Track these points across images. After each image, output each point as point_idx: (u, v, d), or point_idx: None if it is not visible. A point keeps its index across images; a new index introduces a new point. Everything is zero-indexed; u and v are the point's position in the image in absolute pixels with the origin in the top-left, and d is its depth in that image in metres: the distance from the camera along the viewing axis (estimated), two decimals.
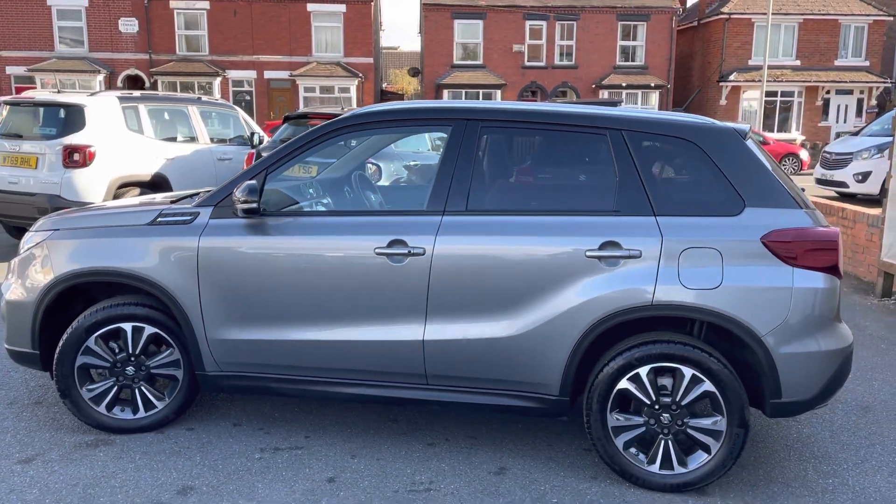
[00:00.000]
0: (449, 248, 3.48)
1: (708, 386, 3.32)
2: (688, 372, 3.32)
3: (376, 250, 3.51)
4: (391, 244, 3.50)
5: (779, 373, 3.26)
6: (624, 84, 31.12)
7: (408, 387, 3.61)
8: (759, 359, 3.28)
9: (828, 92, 31.86)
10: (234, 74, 30.77)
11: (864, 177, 14.40)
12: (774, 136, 28.66)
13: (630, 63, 32.14)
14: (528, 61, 31.94)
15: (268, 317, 3.63)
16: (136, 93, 9.03)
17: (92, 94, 8.47)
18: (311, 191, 4.50)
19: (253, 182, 3.53)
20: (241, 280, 3.62)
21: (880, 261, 7.40)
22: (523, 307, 3.44)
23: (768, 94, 30.37)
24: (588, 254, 3.36)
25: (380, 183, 6.61)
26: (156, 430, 3.88)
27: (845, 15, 31.40)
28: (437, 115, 3.75)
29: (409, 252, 3.48)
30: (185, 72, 30.38)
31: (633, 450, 3.45)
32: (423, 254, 3.47)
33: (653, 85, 31.39)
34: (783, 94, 31.81)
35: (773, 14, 28.25)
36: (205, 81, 30.48)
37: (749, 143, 3.48)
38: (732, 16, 31.44)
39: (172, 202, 4.01)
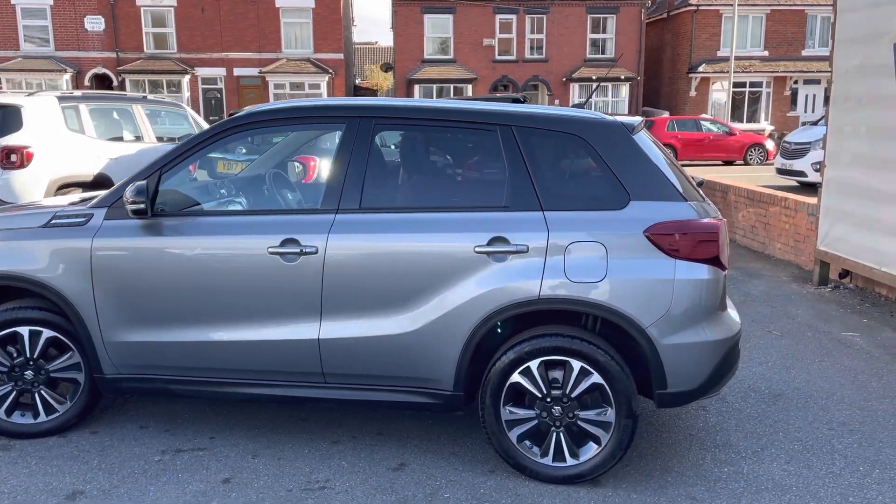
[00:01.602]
0: (342, 247, 3.48)
1: (596, 378, 3.35)
2: (576, 365, 3.36)
3: (269, 250, 3.51)
4: (284, 243, 3.50)
5: (663, 363, 3.30)
6: (594, 77, 31.24)
7: (305, 385, 3.62)
8: (644, 350, 3.32)
9: (795, 82, 32.18)
10: (203, 72, 30.56)
11: (822, 166, 14.55)
12: (743, 126, 28.90)
13: (600, 56, 32.26)
14: (498, 55, 31.97)
15: (163, 318, 3.62)
16: (78, 92, 8.95)
17: (30, 95, 8.38)
18: (222, 191, 4.49)
19: (142, 183, 3.51)
20: (135, 282, 3.60)
21: (817, 249, 7.50)
22: (415, 304, 3.45)
23: (737, 84, 30.62)
24: (477, 250, 3.38)
25: (308, 181, 6.60)
26: (58, 434, 3.86)
27: (811, 5, 31.71)
28: (329, 112, 3.75)
29: (302, 251, 3.48)
30: (154, 70, 30.12)
31: (526, 443, 3.48)
32: (316, 252, 3.48)
33: (623, 77, 31.53)
34: (752, 84, 32.09)
35: (740, 5, 28.48)
36: (173, 79, 30.25)
37: (638, 136, 3.51)
38: (701, 7, 31.65)
39: (73, 204, 3.98)
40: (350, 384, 3.60)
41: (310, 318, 3.52)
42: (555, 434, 3.43)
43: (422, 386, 3.54)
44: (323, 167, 8.08)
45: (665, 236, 3.30)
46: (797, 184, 15.34)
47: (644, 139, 3.55)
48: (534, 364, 3.39)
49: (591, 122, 3.51)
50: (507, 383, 3.43)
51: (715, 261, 3.33)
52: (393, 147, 7.68)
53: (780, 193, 9.13)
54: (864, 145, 6.74)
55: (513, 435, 3.47)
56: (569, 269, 3.32)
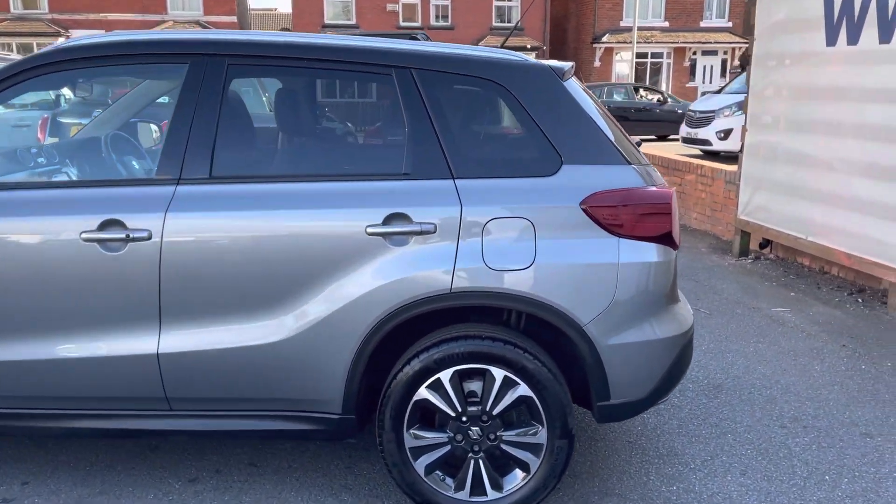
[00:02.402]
0: (185, 230, 2.61)
1: (524, 390, 2.65)
2: (499, 374, 2.64)
3: (83, 235, 2.59)
4: (103, 226, 2.59)
5: (606, 369, 2.63)
6: (500, 46, 30.64)
7: (143, 415, 2.74)
8: (582, 353, 2.64)
9: (694, 53, 32.72)
10: (79, 35, 27.93)
11: (725, 134, 14.49)
12: None
13: (507, 24, 31.70)
14: (403, 21, 30.87)
15: None
16: None
17: None
18: (40, 159, 3.48)
19: None
20: None
21: (737, 218, 7.12)
22: (289, 304, 2.64)
23: (639, 55, 30.78)
24: (370, 230, 2.59)
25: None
26: None
27: None
28: (166, 48, 2.82)
29: (129, 237, 2.58)
30: (22, 32, 27.35)
31: (437, 474, 2.75)
32: (149, 238, 2.58)
33: (529, 47, 31.10)
34: (653, 55, 32.39)
35: None
36: (45, 42, 27.50)
37: (569, 84, 2.79)
38: None
39: None
40: (204, 411, 2.75)
41: (144, 327, 2.63)
42: (473, 462, 2.72)
43: (301, 409, 2.74)
44: None
45: (606, 209, 2.60)
46: (701, 153, 15.29)
47: (576, 88, 2.83)
48: (445, 375, 2.65)
49: (513, 66, 2.75)
50: (412, 401, 2.68)
51: (666, 239, 2.67)
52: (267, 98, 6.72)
53: (695, 161, 8.75)
54: (788, 107, 6.33)
55: (420, 465, 2.72)
56: (487, 254, 2.58)
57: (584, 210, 2.59)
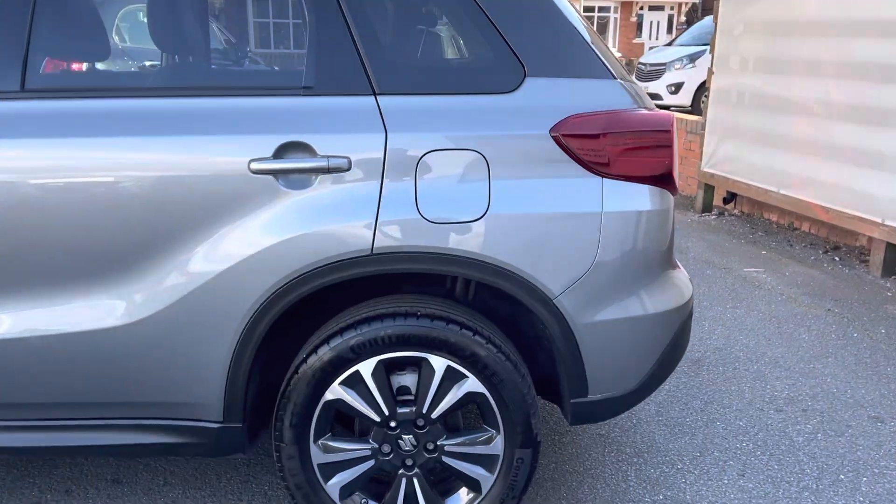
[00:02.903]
0: None
1: (473, 385, 1.95)
2: (440, 364, 1.94)
3: None
4: None
5: (583, 356, 1.95)
6: None
7: None
8: (552, 334, 1.95)
9: (641, 8, 32.18)
10: None
11: (676, 88, 13.96)
12: None
13: None
14: None
15: None
16: None
17: None
18: None
19: None
20: None
21: (700, 171, 6.55)
22: (141, 274, 1.87)
23: (586, 9, 30.11)
24: (255, 167, 1.83)
25: None
26: None
27: None
28: None
29: None
30: None
31: (357, 497, 2.06)
32: None
33: None
34: (600, 9, 31.73)
35: None
36: None
37: None
38: None
39: None
40: (31, 420, 1.98)
41: None
42: (405, 481, 2.03)
43: (168, 417, 1.99)
44: None
45: (586, 138, 1.89)
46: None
47: None
48: (366, 367, 1.93)
49: None
50: (321, 402, 1.96)
51: (665, 180, 1.98)
52: None
53: None
54: (762, 45, 5.72)
55: (333, 487, 2.02)
56: (424, 200, 1.85)
57: (556, 139, 1.88)
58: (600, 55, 1.99)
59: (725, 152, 6.19)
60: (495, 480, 2.02)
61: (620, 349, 1.98)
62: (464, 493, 2.06)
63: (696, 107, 12.23)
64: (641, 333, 1.99)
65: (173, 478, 2.44)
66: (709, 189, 6.56)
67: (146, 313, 1.87)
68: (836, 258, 5.19)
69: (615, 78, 1.98)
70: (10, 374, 1.91)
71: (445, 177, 1.87)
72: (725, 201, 6.59)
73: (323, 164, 1.83)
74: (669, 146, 1.96)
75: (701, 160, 6.54)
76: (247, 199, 1.85)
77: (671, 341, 2.04)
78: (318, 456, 2.00)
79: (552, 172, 1.89)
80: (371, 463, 2.02)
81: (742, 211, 6.51)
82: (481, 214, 1.86)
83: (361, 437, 2.04)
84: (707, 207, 6.62)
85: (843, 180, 4.94)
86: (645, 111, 1.96)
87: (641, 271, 1.97)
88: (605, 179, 1.90)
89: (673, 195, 2.02)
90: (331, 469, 2.01)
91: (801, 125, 5.30)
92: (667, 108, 14.03)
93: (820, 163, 5.15)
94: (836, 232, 5.47)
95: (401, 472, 2.02)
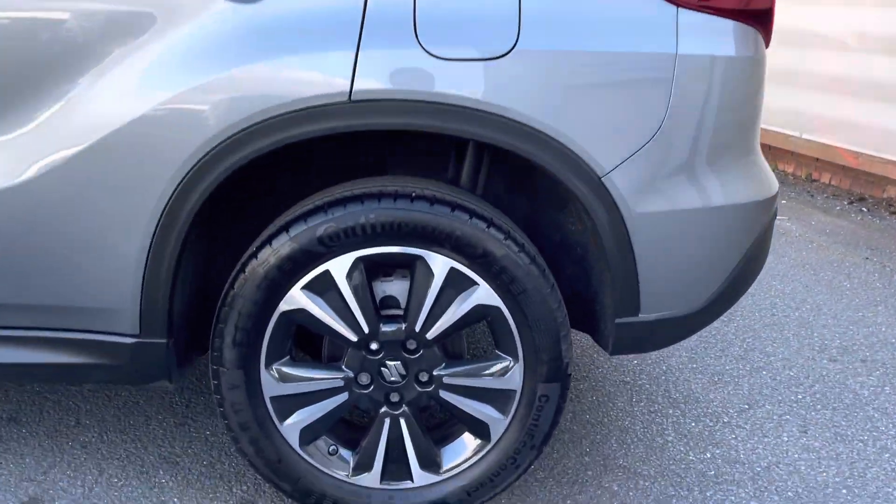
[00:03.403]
0: None
1: (485, 295, 1.43)
2: (441, 264, 1.41)
3: None
4: None
5: (636, 260, 1.43)
6: None
7: None
8: (596, 226, 1.43)
9: None
10: None
11: None
12: None
13: None
14: None
15: None
16: None
17: None
18: None
19: None
20: None
21: None
22: (11, 118, 1.32)
23: None
24: None
25: None
26: None
27: None
28: None
29: None
30: None
31: (324, 443, 1.54)
32: None
33: None
34: None
35: None
36: None
37: None
38: None
39: None
40: None
41: None
42: (388, 422, 1.51)
43: (62, 325, 1.45)
44: None
45: None
46: None
47: None
48: (339, 266, 1.40)
49: None
50: (277, 313, 1.43)
51: (761, 18, 1.45)
52: None
53: None
54: None
55: (291, 429, 1.50)
56: (426, 24, 1.31)
57: None
58: None
59: None
60: (509, 424, 1.51)
61: (688, 252, 1.46)
62: (467, 441, 1.55)
63: None
64: (717, 231, 1.47)
65: (88, 418, 1.90)
66: None
67: (17, 178, 1.32)
68: (864, 209, 4.71)
69: None
70: None
71: None
72: None
73: None
74: None
75: None
76: (166, 8, 1.29)
77: (753, 244, 1.52)
78: (271, 386, 1.47)
79: None
80: (344, 397, 1.49)
81: None
82: (507, 49, 1.32)
83: (330, 363, 1.51)
84: None
85: (877, 121, 4.45)
86: None
87: (722, 145, 1.44)
88: (681, 9, 1.36)
89: (766, 41, 1.49)
90: (288, 404, 1.49)
91: (832, 61, 4.79)
92: None
93: (851, 103, 4.65)
94: (861, 182, 5.00)
95: (383, 410, 1.51)
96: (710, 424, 2.06)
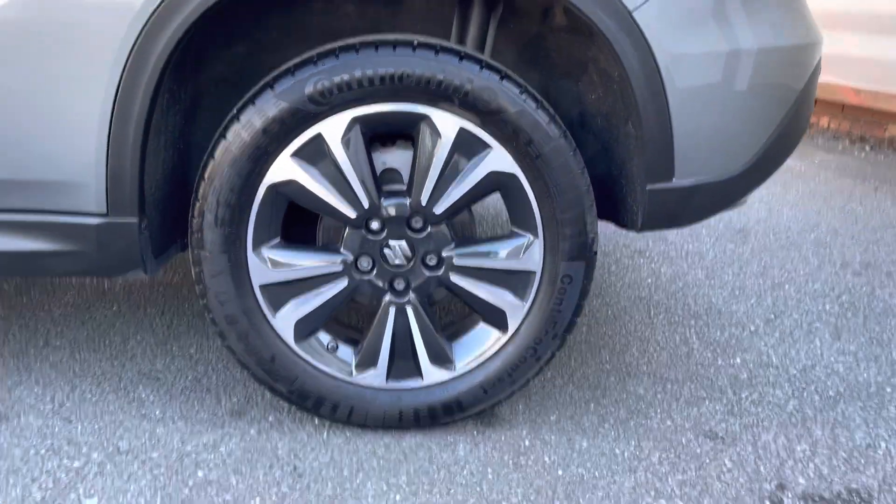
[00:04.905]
0: None
1: (500, 159, 1.26)
2: (449, 124, 1.24)
3: None
4: None
5: (671, 112, 1.27)
6: None
7: None
8: (626, 73, 1.26)
9: None
10: None
11: None
12: None
13: None
14: None
15: None
16: None
17: None
18: None
19: None
20: None
21: None
22: None
23: None
24: None
25: None
26: None
27: None
28: None
29: None
30: None
31: (321, 338, 1.37)
32: None
33: None
34: None
35: None
36: None
37: None
38: None
39: None
40: None
41: None
42: (393, 311, 1.34)
43: (15, 206, 1.27)
44: None
45: None
46: None
47: None
48: (333, 128, 1.23)
49: None
50: (263, 185, 1.25)
51: None
52: None
53: None
54: None
55: (284, 321, 1.33)
56: None
57: None
58: None
59: None
60: (529, 310, 1.35)
61: (726, 104, 1.29)
62: (484, 332, 1.39)
63: None
64: (760, 77, 1.30)
65: (59, 339, 1.73)
66: None
67: None
68: (867, 147, 4.59)
69: None
70: None
71: None
72: None
73: None
74: None
75: None
76: None
77: (797, 98, 1.36)
78: (260, 272, 1.30)
79: None
80: (343, 283, 1.32)
81: None
82: None
83: (327, 246, 1.34)
84: None
85: (878, 55, 4.31)
86: None
87: None
88: None
89: None
90: (281, 293, 1.32)
91: None
92: None
93: (851, 37, 4.50)
94: (861, 124, 4.87)
95: (388, 299, 1.34)
96: (737, 333, 1.92)
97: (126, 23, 1.14)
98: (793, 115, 1.36)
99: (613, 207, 1.48)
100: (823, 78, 4.79)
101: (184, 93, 1.34)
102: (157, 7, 1.14)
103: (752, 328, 1.95)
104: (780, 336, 1.91)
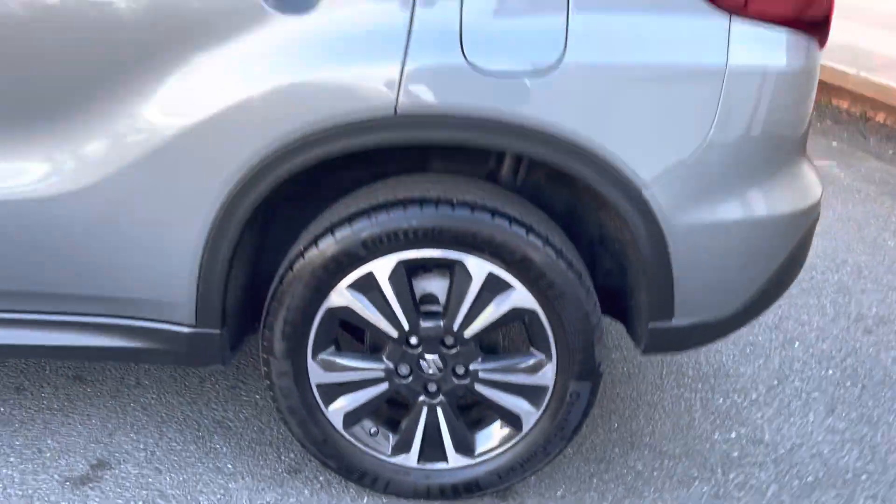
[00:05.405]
0: None
1: (522, 298, 1.48)
2: (479, 269, 1.45)
3: None
4: None
5: (673, 269, 1.45)
6: None
7: None
8: (633, 237, 1.45)
9: None
10: None
11: None
12: None
13: None
14: None
15: None
16: None
17: None
18: None
19: None
20: None
21: None
22: (76, 128, 1.37)
23: None
24: None
25: None
26: None
27: None
28: None
29: None
30: None
31: (367, 426, 1.64)
32: None
33: None
34: None
35: None
36: None
37: None
38: None
39: None
40: None
41: None
42: (425, 410, 1.60)
43: (126, 314, 1.55)
44: None
45: None
46: None
47: None
48: (382, 268, 1.46)
49: None
50: (323, 308, 1.50)
51: (817, 25, 1.40)
52: None
53: None
54: None
55: (335, 413, 1.60)
56: (472, 38, 1.30)
57: None
58: None
59: None
60: (541, 417, 1.59)
61: (725, 261, 1.48)
62: (500, 428, 1.64)
63: None
64: (755, 241, 1.48)
65: (147, 378, 2.04)
66: None
67: (84, 181, 1.38)
68: None
69: None
70: None
71: (504, 4, 1.30)
72: None
73: None
74: None
75: None
76: (217, 23, 1.30)
77: (791, 252, 1.53)
78: (317, 374, 1.56)
79: (659, 5, 1.31)
80: (384, 387, 1.58)
81: None
82: (553, 64, 1.30)
83: (372, 352, 1.59)
84: None
85: None
86: None
87: (767, 157, 1.43)
88: (733, 18, 1.32)
89: (821, 46, 1.45)
90: (333, 391, 1.58)
91: None
92: None
93: None
94: None
95: (422, 398, 1.59)
96: (738, 401, 2.12)
97: (216, 192, 1.37)
98: (785, 266, 1.53)
99: (625, 320, 1.69)
100: (882, 79, 4.71)
101: (257, 232, 1.57)
102: (240, 181, 1.36)
103: (754, 395, 2.15)
104: (777, 407, 2.11)
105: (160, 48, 1.32)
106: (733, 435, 1.98)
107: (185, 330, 1.53)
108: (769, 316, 2.58)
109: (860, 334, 2.51)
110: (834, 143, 4.76)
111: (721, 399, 2.13)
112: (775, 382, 2.22)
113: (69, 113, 1.36)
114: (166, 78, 1.33)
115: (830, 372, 2.28)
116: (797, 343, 2.43)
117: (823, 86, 5.61)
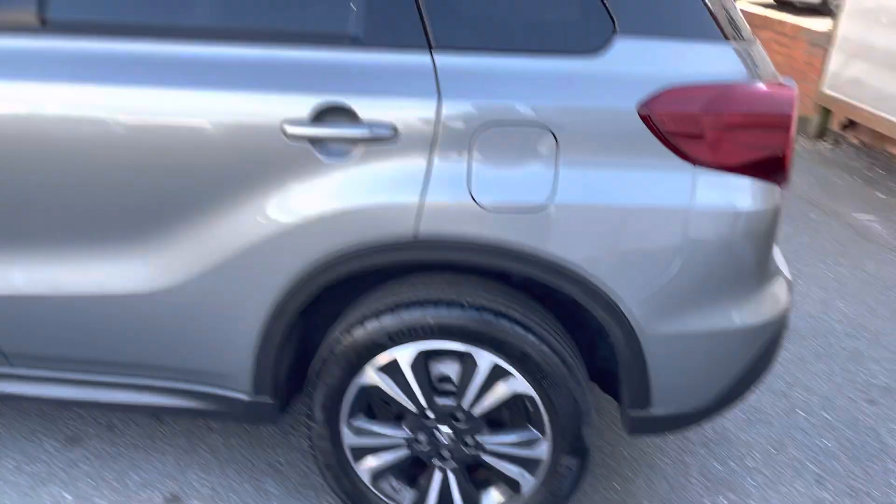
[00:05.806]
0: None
1: (521, 386, 1.75)
2: (485, 361, 1.74)
3: None
4: None
5: (649, 370, 1.71)
6: None
7: None
8: (616, 342, 1.71)
9: None
10: None
11: None
12: None
13: None
14: None
15: None
16: None
17: None
18: None
19: None
20: None
21: (819, 92, 5.84)
22: (168, 240, 1.72)
23: None
24: (290, 131, 1.59)
25: None
26: None
27: None
28: None
29: None
30: None
31: (392, 484, 1.95)
32: None
33: None
34: None
35: None
36: None
37: None
38: None
39: None
40: (58, 373, 1.93)
41: None
42: (439, 475, 1.89)
43: (196, 382, 1.90)
44: None
45: (682, 118, 1.55)
46: (773, 2, 13.33)
47: None
48: (404, 356, 1.76)
49: None
50: (356, 385, 1.81)
51: (774, 171, 1.63)
52: None
53: (774, 15, 7.26)
54: None
55: (364, 471, 1.91)
56: (477, 181, 1.59)
57: (645, 118, 1.55)
58: (710, 8, 1.60)
59: (852, 73, 5.46)
60: (537, 485, 1.86)
61: (695, 364, 1.72)
62: (503, 490, 1.92)
63: (826, 5, 10.82)
64: (722, 348, 1.72)
65: (215, 422, 2.40)
66: (826, 113, 5.88)
67: (172, 283, 1.73)
68: None
69: (727, 39, 1.60)
70: (44, 330, 1.84)
71: (505, 155, 1.59)
72: (843, 126, 5.91)
73: (365, 132, 1.58)
74: (787, 130, 1.59)
75: (821, 79, 5.81)
76: (278, 167, 1.63)
77: (756, 355, 1.76)
78: (349, 438, 1.88)
79: (634, 158, 1.57)
80: (405, 451, 1.88)
81: (862, 141, 5.83)
82: (544, 203, 1.58)
83: (396, 422, 1.89)
84: (821, 133, 5.96)
85: None
86: (761, 87, 1.59)
87: (731, 281, 1.67)
88: (698, 168, 1.57)
89: (782, 188, 1.67)
90: (362, 452, 1.89)
91: None
92: (791, 3, 12.64)
93: None
94: None
95: (436, 462, 1.89)
96: (734, 467, 2.33)
97: (273, 293, 1.70)
98: (751, 368, 1.75)
99: (616, 400, 1.94)
100: None
101: (307, 318, 1.89)
102: (294, 285, 1.69)
103: (750, 462, 2.36)
104: (769, 475, 2.31)
105: (241, 184, 1.65)
106: (721, 499, 2.20)
107: (244, 397, 1.87)
108: (778, 382, 2.77)
109: (864, 404, 2.66)
110: (880, 195, 4.83)
111: (718, 465, 2.34)
112: (772, 450, 2.41)
113: (166, 229, 1.71)
114: (240, 206, 1.66)
115: (828, 443, 2.46)
116: (801, 412, 2.61)
117: (877, 134, 5.66)
